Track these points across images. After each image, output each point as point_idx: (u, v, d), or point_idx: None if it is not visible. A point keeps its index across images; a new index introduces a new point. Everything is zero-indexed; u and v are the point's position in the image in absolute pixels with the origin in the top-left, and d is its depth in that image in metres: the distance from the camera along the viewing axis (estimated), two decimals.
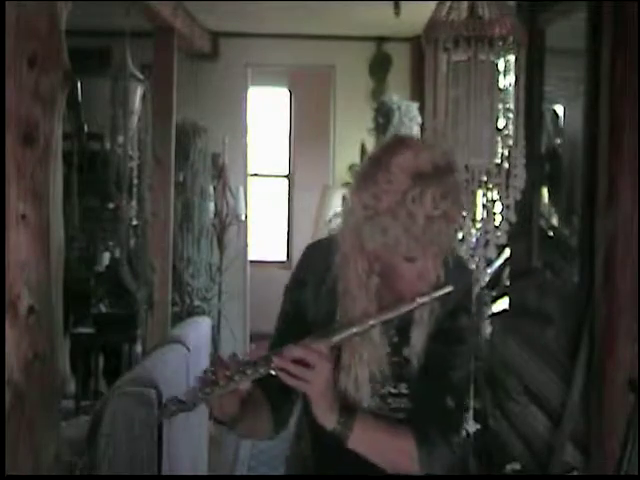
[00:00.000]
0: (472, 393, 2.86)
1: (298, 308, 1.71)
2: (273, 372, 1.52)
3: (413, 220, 1.47)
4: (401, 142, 1.55)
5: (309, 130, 8.04)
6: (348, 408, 1.59)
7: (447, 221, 1.49)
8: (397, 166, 1.49)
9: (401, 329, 1.66)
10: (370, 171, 1.53)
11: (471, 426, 2.85)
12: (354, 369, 1.63)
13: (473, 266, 2.74)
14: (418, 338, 1.64)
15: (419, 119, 5.63)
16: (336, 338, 1.55)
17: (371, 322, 1.57)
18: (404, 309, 1.58)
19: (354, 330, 1.56)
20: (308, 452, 1.82)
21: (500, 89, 2.79)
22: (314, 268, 1.70)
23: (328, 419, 1.56)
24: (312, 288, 1.70)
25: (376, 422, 1.62)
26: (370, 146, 5.76)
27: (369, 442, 1.59)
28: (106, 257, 5.88)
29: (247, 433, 1.81)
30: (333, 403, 1.56)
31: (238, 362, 1.52)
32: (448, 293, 1.60)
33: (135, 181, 5.12)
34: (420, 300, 1.57)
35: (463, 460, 3.28)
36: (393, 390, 1.67)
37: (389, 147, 1.55)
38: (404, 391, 1.67)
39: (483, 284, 2.99)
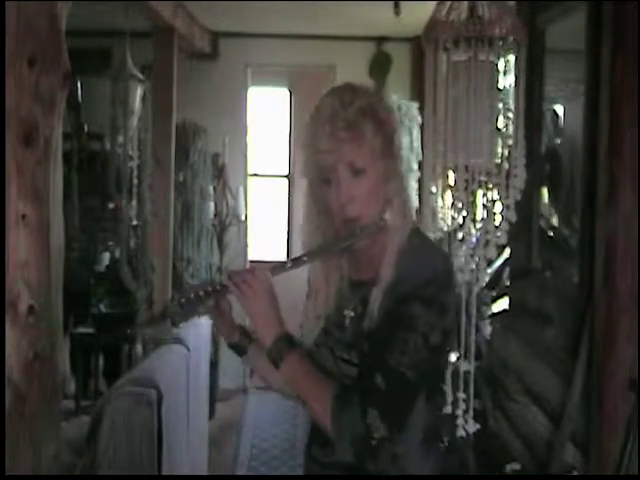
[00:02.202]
0: (472, 393, 2.86)
1: None
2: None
3: (311, 132, 1.68)
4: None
5: None
6: (288, 339, 1.69)
7: (341, 129, 1.65)
8: (322, 103, 1.74)
9: (365, 301, 1.72)
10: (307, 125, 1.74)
11: (471, 426, 2.84)
12: (311, 303, 1.79)
13: (473, 265, 2.74)
14: (373, 305, 1.68)
15: (419, 119, 5.63)
16: (275, 272, 1.71)
17: (304, 257, 1.72)
18: (333, 245, 1.72)
19: (288, 265, 1.72)
20: None
21: (500, 89, 2.79)
22: None
23: (265, 338, 1.69)
24: None
25: (309, 364, 1.70)
26: None
27: (295, 375, 1.67)
28: (106, 257, 5.88)
29: (266, 372, 1.87)
30: (272, 326, 1.68)
31: (205, 284, 1.76)
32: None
33: (135, 181, 5.12)
34: (350, 232, 1.68)
35: (463, 460, 3.28)
36: (345, 356, 1.72)
37: None
38: (354, 360, 1.70)
39: (483, 284, 2.99)
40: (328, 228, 1.75)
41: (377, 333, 1.65)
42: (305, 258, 1.73)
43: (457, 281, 2.74)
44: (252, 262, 6.97)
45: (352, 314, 1.74)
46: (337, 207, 1.69)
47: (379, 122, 1.69)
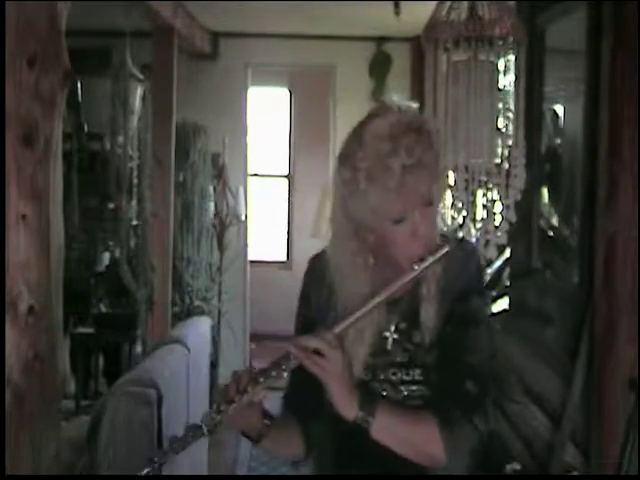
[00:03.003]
0: None
1: (307, 322, 1.73)
2: (285, 374, 1.54)
3: (390, 173, 1.50)
4: (374, 111, 1.60)
5: (309, 130, 8.04)
6: (368, 396, 1.58)
7: (423, 169, 1.51)
8: (370, 133, 1.54)
9: (409, 314, 1.64)
10: (347, 147, 1.57)
11: None
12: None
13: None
14: (428, 317, 1.61)
15: None
16: (339, 328, 1.54)
17: (372, 303, 1.55)
18: (403, 280, 1.56)
19: (356, 316, 1.55)
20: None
21: (500, 89, 2.79)
22: (317, 281, 1.72)
23: (349, 407, 1.54)
24: (316, 302, 1.71)
25: (396, 408, 1.60)
26: None
27: (392, 428, 1.57)
28: (106, 257, 5.88)
29: (277, 451, 1.80)
30: (352, 391, 1.55)
31: (250, 373, 1.55)
32: (448, 257, 1.58)
33: (135, 181, 5.13)
34: (418, 266, 1.55)
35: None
36: (406, 377, 1.64)
37: (363, 120, 1.59)
38: (418, 378, 1.63)
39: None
40: (360, 281, 1.62)
41: (447, 340, 1.60)
42: (374, 305, 1.57)
43: None
44: (252, 262, 6.98)
45: (395, 336, 1.66)
46: (410, 243, 1.56)
47: (437, 144, 1.60)
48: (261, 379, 1.53)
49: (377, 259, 1.63)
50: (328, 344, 1.52)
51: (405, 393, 1.64)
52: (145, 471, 1.55)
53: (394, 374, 1.65)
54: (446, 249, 1.57)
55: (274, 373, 1.54)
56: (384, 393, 1.64)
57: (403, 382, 1.64)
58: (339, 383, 1.53)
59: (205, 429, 1.52)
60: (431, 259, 1.56)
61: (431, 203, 1.57)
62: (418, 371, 1.63)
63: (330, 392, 1.54)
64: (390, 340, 1.66)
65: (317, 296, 1.71)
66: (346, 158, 1.56)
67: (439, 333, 1.61)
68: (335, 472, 1.73)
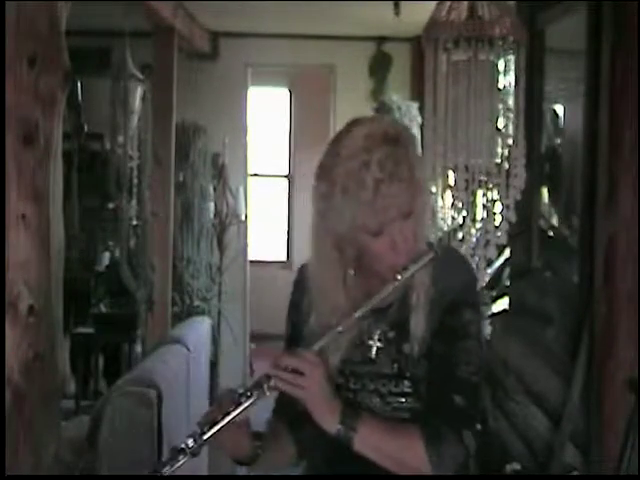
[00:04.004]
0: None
1: (296, 329, 1.73)
2: (267, 393, 1.53)
3: (362, 186, 1.50)
4: (349, 123, 1.59)
5: (309, 130, 8.04)
6: (351, 410, 1.57)
7: (398, 181, 1.51)
8: (344, 147, 1.54)
9: (397, 323, 1.63)
10: (324, 161, 1.57)
11: None
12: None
13: (474, 265, 2.73)
14: (417, 327, 1.60)
15: (419, 119, 5.64)
16: (318, 345, 1.54)
17: (354, 317, 1.55)
18: (386, 292, 1.56)
19: (337, 331, 1.55)
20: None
21: (500, 89, 2.79)
22: (304, 290, 1.71)
23: (330, 423, 1.54)
24: (304, 310, 1.71)
25: (381, 422, 1.59)
26: None
27: (376, 443, 1.56)
28: (106, 257, 5.88)
29: (271, 466, 1.78)
30: (333, 406, 1.54)
31: (232, 395, 1.55)
32: (437, 265, 1.58)
33: (135, 181, 5.13)
34: (400, 276, 1.55)
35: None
36: (394, 389, 1.62)
37: (339, 133, 1.59)
38: (407, 390, 1.62)
39: (483, 284, 2.99)
40: (340, 294, 1.61)
41: (436, 353, 1.60)
42: (356, 318, 1.56)
43: None
44: (252, 262, 6.98)
45: (380, 344, 1.64)
46: (390, 255, 1.56)
47: (416, 154, 1.60)
48: (242, 400, 1.53)
49: (359, 271, 1.63)
50: (309, 363, 1.52)
51: (394, 405, 1.62)
52: None
53: (383, 385, 1.63)
54: (431, 255, 1.57)
55: (255, 394, 1.53)
56: (372, 404, 1.62)
57: (392, 394, 1.63)
58: (318, 401, 1.53)
59: (189, 452, 1.50)
60: (414, 267, 1.56)
61: (409, 215, 1.55)
62: (407, 383, 1.62)
63: (310, 409, 1.54)
64: (374, 349, 1.64)
65: (304, 304, 1.70)
66: (323, 172, 1.57)
67: (428, 345, 1.60)
68: (327, 474, 1.71)
